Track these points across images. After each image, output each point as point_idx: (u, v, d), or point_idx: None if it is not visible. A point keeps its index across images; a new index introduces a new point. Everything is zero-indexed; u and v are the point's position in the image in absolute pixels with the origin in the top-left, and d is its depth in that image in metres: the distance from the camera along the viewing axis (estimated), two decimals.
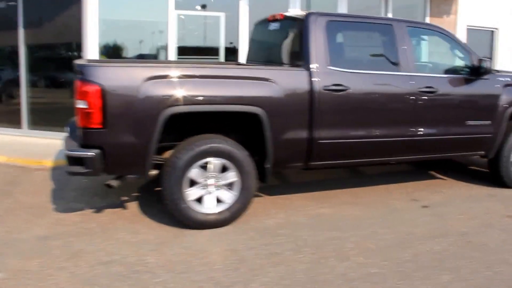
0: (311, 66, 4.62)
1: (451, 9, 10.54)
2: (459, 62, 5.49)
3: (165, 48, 8.21)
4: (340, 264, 3.74)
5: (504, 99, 5.52)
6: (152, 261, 3.75)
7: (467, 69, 5.40)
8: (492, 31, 11.66)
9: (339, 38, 5.01)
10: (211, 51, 8.60)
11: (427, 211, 5.01)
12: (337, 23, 4.91)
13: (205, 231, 4.35)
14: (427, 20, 10.35)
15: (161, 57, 8.30)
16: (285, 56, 5.02)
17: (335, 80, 4.67)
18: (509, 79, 5.61)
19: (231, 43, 8.69)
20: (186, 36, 8.47)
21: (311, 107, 4.59)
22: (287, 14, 5.13)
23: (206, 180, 4.37)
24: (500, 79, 5.55)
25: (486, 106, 5.47)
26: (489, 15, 11.46)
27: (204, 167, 4.34)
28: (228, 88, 4.31)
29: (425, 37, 6.13)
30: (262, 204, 5.14)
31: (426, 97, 5.09)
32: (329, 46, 4.71)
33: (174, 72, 4.19)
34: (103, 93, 3.94)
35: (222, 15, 8.42)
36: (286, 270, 3.62)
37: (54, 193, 5.48)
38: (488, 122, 5.48)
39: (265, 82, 4.42)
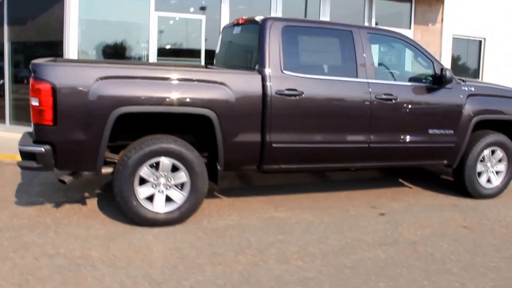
0: (265, 70, 4.67)
1: (437, 18, 10.52)
2: (425, 71, 5.48)
3: (146, 49, 8.31)
4: (278, 267, 3.77)
5: (468, 109, 5.50)
6: (96, 255, 3.82)
7: (431, 78, 5.39)
8: (480, 41, 11.61)
9: (296, 43, 5.02)
10: (192, 53, 8.68)
11: (382, 219, 5.01)
12: (294, 28, 4.93)
13: (155, 229, 4.41)
14: (412, 28, 10.35)
15: (142, 58, 8.39)
16: (244, 60, 5.07)
17: (289, 85, 4.71)
18: (473, 89, 5.58)
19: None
20: (168, 38, 8.58)
21: (263, 111, 4.64)
22: (248, 18, 5.18)
23: (157, 179, 4.43)
24: (464, 88, 5.53)
25: (448, 116, 5.44)
26: (476, 25, 11.45)
27: (155, 166, 4.41)
28: (179, 90, 4.37)
29: (390, 44, 6.11)
30: (219, 205, 5.19)
31: (384, 104, 5.10)
32: (284, 51, 4.75)
33: (126, 73, 4.28)
34: (54, 91, 4.04)
35: (203, 18, 8.50)
36: (222, 270, 3.67)
37: (19, 187, 5.59)
38: (451, 131, 5.45)
39: (218, 85, 4.47)
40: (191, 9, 8.65)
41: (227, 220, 4.77)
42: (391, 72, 6.06)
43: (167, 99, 4.31)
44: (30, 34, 8.35)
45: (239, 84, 4.57)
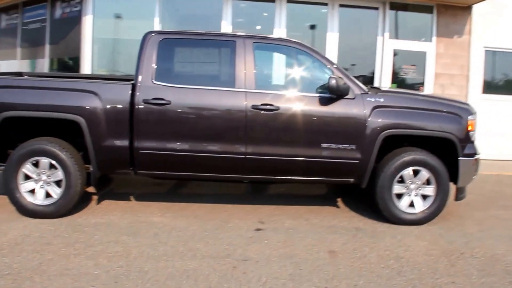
0: (136, 80, 4.97)
1: (463, 29, 9.12)
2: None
3: None
4: (80, 261, 3.97)
5: (373, 122, 4.92)
6: None
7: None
8: None
9: (172, 55, 5.19)
10: None
11: (250, 234, 4.77)
12: (173, 41, 5.14)
13: (32, 220, 4.95)
14: (434, 41, 9.17)
15: None
16: None
17: (157, 94, 4.90)
18: (382, 100, 4.96)
19: None
20: None
21: (131, 118, 4.92)
22: None
23: (39, 175, 5.01)
24: (370, 99, 4.95)
25: (347, 129, 4.94)
26: None
27: (37, 164, 4.99)
28: (52, 98, 4.92)
29: (285, 53, 5.64)
30: (117, 206, 5.53)
31: (262, 115, 4.90)
32: (158, 62, 5.00)
33: (7, 83, 5.00)
34: None
35: None
36: (32, 257, 4.01)
37: None
38: (353, 146, 4.94)
39: (88, 94, 4.92)
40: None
41: (103, 219, 5.09)
42: (282, 82, 5.65)
43: (42, 106, 4.90)
44: (61, 52, 9.77)
45: (109, 93, 4.95)
